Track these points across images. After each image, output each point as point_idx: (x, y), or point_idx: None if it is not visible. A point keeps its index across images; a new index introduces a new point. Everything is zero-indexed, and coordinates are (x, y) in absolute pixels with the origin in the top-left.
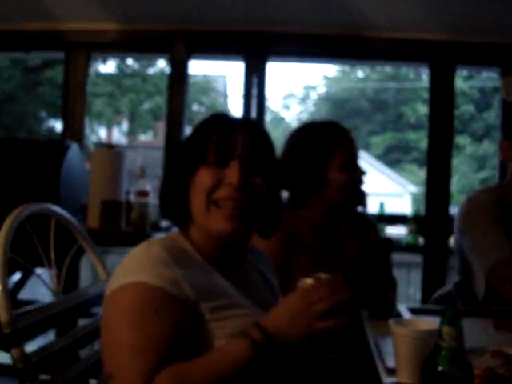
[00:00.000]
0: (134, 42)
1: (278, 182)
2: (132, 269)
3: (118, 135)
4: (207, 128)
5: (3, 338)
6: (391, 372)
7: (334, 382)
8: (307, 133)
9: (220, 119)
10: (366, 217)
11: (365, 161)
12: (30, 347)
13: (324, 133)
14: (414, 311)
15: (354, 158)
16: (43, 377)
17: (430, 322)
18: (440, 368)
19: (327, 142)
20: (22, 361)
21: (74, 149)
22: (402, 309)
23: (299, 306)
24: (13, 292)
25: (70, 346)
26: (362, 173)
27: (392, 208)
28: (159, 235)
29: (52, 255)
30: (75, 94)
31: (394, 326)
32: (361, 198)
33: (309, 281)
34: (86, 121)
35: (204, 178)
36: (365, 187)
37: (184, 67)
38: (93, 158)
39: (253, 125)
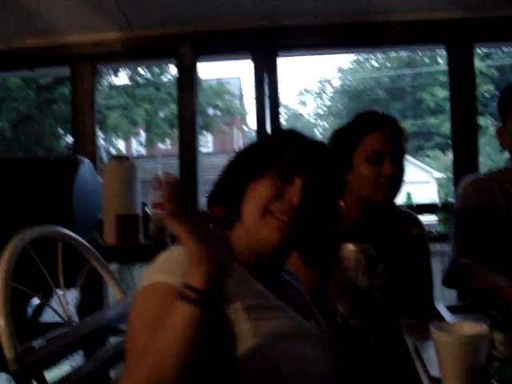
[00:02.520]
0: (140, 49)
1: (334, 214)
2: (156, 270)
3: (137, 146)
4: (284, 139)
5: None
6: (436, 381)
7: (374, 365)
8: (352, 117)
9: (296, 135)
10: (407, 212)
11: None
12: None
13: (360, 119)
14: (453, 309)
15: (382, 153)
16: None
17: (476, 325)
18: (494, 380)
19: (358, 128)
20: None
21: (85, 164)
22: (441, 307)
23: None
24: (34, 315)
25: (93, 372)
26: (388, 172)
27: (419, 196)
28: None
29: (60, 279)
30: (84, 107)
31: (435, 332)
32: (382, 194)
33: (351, 246)
34: (100, 134)
35: (266, 188)
36: (387, 185)
37: (192, 70)
38: (104, 171)
39: (324, 147)
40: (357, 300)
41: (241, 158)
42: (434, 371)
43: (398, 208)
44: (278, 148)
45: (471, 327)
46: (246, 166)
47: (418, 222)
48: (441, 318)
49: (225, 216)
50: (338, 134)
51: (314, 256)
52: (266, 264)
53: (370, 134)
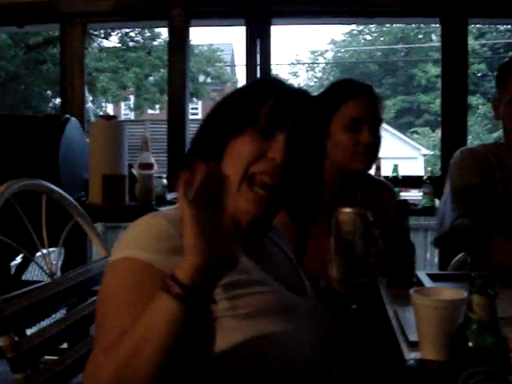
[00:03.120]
0: (131, 9)
1: (319, 166)
2: (126, 243)
3: (126, 111)
4: (264, 90)
5: None
6: (414, 345)
7: (356, 332)
8: (328, 86)
9: (278, 84)
10: (381, 181)
11: None
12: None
13: (337, 87)
14: (434, 277)
15: (360, 121)
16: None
17: (456, 291)
18: (471, 343)
19: (335, 96)
20: (11, 350)
21: (72, 123)
22: (422, 275)
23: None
24: (17, 273)
25: (73, 326)
26: (366, 140)
27: (406, 171)
28: (165, 208)
29: (44, 234)
30: (73, 67)
31: (415, 296)
32: (360, 161)
33: (348, 210)
34: (89, 97)
35: (246, 147)
36: (366, 153)
37: (184, 34)
38: (91, 131)
39: (308, 97)
40: (351, 266)
41: (218, 114)
42: (413, 336)
43: (372, 176)
44: (257, 101)
45: (451, 292)
46: (223, 122)
47: (392, 190)
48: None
49: None
50: None
51: (303, 214)
52: (249, 226)
53: (348, 102)
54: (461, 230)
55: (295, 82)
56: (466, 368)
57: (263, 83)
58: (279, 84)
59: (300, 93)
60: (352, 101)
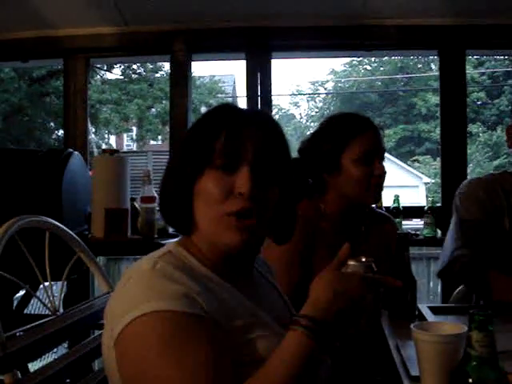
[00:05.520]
0: (134, 44)
1: (291, 186)
2: (146, 296)
3: (129, 142)
4: (214, 125)
5: None
6: (416, 380)
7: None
8: (331, 121)
9: (228, 114)
10: (382, 213)
11: None
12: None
13: (344, 122)
14: (435, 310)
15: (372, 153)
16: None
17: (456, 325)
18: (471, 379)
19: (345, 132)
20: None
21: (75, 158)
22: (423, 308)
23: (340, 285)
24: (19, 307)
25: (75, 363)
26: (380, 171)
27: (408, 200)
28: (168, 242)
29: (47, 269)
30: (76, 101)
31: (415, 331)
32: (373, 194)
33: (356, 263)
34: (91, 129)
35: (211, 186)
36: (378, 185)
37: (186, 67)
38: (94, 165)
39: (265, 119)
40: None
41: (177, 159)
42: (414, 371)
43: (373, 209)
44: (208, 139)
45: (451, 327)
46: (183, 167)
47: (394, 223)
48: (423, 319)
49: (180, 226)
50: (321, 140)
51: (284, 232)
52: (236, 260)
53: (359, 137)
54: (459, 260)
55: (296, 112)
56: None
57: (213, 117)
58: (231, 113)
59: (257, 117)
60: (361, 136)
